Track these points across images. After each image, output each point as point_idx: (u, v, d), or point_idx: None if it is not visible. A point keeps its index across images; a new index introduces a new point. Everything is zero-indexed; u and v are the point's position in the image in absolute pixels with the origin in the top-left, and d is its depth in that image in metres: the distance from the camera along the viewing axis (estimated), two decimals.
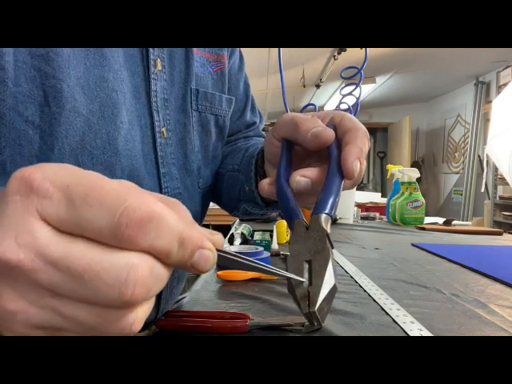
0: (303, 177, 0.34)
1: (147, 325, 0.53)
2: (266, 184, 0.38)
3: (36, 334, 0.19)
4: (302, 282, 0.26)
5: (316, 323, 0.25)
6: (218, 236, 0.22)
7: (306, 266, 0.27)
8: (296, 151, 0.39)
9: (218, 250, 0.21)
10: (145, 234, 0.17)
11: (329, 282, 0.26)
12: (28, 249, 0.17)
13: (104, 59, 0.40)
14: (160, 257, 0.19)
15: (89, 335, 0.19)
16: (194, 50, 0.51)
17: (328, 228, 0.29)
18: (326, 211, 0.30)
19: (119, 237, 0.17)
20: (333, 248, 0.28)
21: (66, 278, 0.17)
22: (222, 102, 0.56)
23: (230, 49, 0.60)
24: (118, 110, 0.41)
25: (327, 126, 0.36)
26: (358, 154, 0.33)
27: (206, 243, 0.20)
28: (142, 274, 0.17)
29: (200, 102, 0.52)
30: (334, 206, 0.31)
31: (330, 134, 0.34)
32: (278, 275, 0.25)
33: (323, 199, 0.31)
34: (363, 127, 0.36)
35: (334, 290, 0.26)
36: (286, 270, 0.27)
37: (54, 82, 0.36)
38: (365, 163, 0.35)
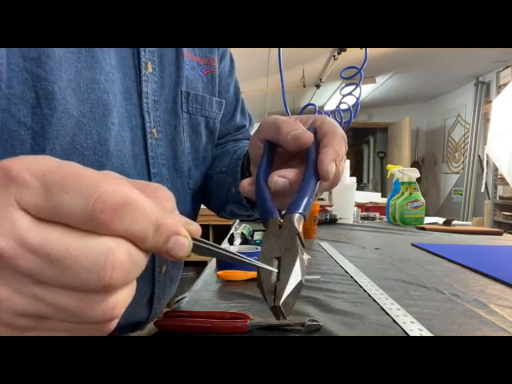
0: (281, 177, 0.34)
1: (140, 324, 0.54)
2: (246, 184, 0.38)
3: (21, 322, 0.19)
4: (273, 272, 0.27)
5: (281, 317, 0.26)
6: (195, 226, 0.22)
7: (276, 262, 0.27)
8: (278, 153, 0.40)
9: (193, 239, 0.21)
10: (120, 219, 0.18)
11: (295, 278, 0.26)
12: (8, 236, 0.17)
13: (95, 62, 0.41)
14: (136, 242, 0.19)
15: (72, 322, 0.19)
16: (185, 53, 0.52)
17: (300, 227, 0.30)
18: (300, 211, 0.31)
19: (94, 222, 0.18)
20: (304, 247, 0.29)
21: (46, 264, 0.17)
22: (212, 104, 0.57)
23: (220, 52, 0.61)
24: (109, 112, 0.42)
25: (308, 129, 0.37)
26: (334, 156, 0.34)
27: (181, 230, 0.20)
28: (119, 257, 0.18)
29: (190, 104, 0.53)
30: (308, 206, 0.31)
31: (309, 136, 0.35)
32: (251, 265, 0.26)
33: (297, 199, 0.31)
34: (341, 131, 0.37)
35: (300, 286, 0.27)
36: (257, 270, 0.28)
37: (46, 84, 0.37)
38: (343, 165, 0.36)
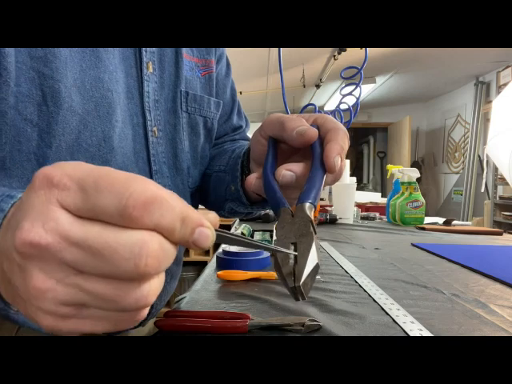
0: (288, 171, 0.36)
1: (142, 321, 0.54)
2: (253, 178, 0.39)
3: (63, 311, 0.20)
4: (290, 255, 0.28)
5: (300, 297, 0.27)
6: (213, 214, 0.23)
7: (292, 247, 0.29)
8: (281, 149, 0.41)
9: (215, 230, 0.23)
10: (150, 214, 0.20)
11: (312, 260, 0.28)
12: (54, 232, 0.19)
13: (100, 61, 0.42)
14: (165, 234, 0.20)
15: (108, 310, 0.21)
16: (184, 53, 0.53)
17: (311, 215, 0.32)
18: (310, 200, 0.32)
19: (128, 218, 0.19)
20: (316, 233, 0.30)
21: (87, 255, 0.19)
22: (210, 104, 0.58)
23: (217, 54, 0.62)
24: (113, 110, 0.43)
25: (311, 125, 0.38)
26: (339, 150, 0.35)
27: (205, 222, 0.22)
28: (152, 247, 0.20)
29: (189, 104, 0.55)
30: (317, 196, 0.34)
31: (313, 132, 0.37)
32: (270, 250, 0.27)
33: (307, 190, 0.33)
34: (344, 128, 0.38)
35: (316, 268, 0.28)
36: (274, 255, 0.30)
37: (52, 82, 0.38)
38: (345, 161, 0.37)
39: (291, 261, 0.28)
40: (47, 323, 0.21)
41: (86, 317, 0.21)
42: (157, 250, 0.20)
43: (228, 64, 0.68)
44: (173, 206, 0.20)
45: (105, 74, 0.42)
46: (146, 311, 0.22)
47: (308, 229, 0.30)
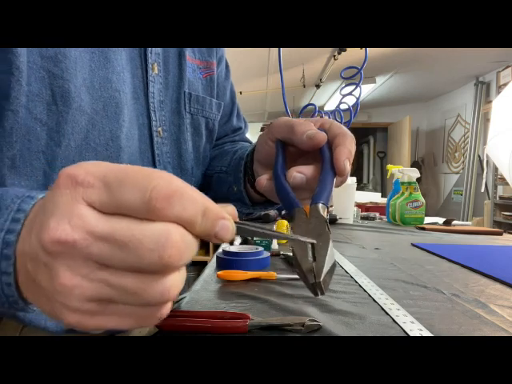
0: (299, 173, 0.37)
1: None
2: (264, 179, 0.40)
3: (89, 307, 0.21)
4: (309, 254, 0.29)
5: (319, 293, 0.29)
6: (231, 207, 0.24)
7: (309, 246, 0.30)
8: (289, 151, 0.42)
9: (234, 222, 0.23)
10: (172, 207, 0.20)
11: (330, 259, 0.29)
12: (80, 229, 0.20)
13: (108, 62, 0.43)
14: (187, 226, 0.21)
15: (133, 305, 0.21)
16: (187, 56, 0.55)
17: (325, 215, 0.33)
18: (323, 201, 0.34)
19: (151, 210, 0.20)
20: (330, 233, 0.32)
21: (114, 249, 0.20)
22: (212, 105, 0.60)
23: (218, 57, 0.64)
24: (120, 110, 0.44)
25: (318, 129, 0.39)
26: (347, 154, 0.37)
27: (226, 215, 0.22)
28: (175, 239, 0.20)
29: (192, 105, 0.56)
30: (329, 197, 0.35)
31: (323, 136, 0.38)
32: (291, 239, 0.29)
33: (320, 192, 0.34)
34: (351, 133, 0.39)
35: (334, 266, 0.30)
36: (293, 253, 0.30)
37: (62, 82, 0.39)
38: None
39: (310, 259, 0.29)
40: (73, 320, 0.21)
41: (110, 313, 0.21)
42: (179, 242, 0.20)
43: (227, 66, 0.70)
44: (195, 199, 0.21)
45: (113, 74, 0.43)
46: (168, 307, 0.22)
47: (324, 228, 0.31)
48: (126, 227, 0.20)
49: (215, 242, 0.22)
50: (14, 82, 0.36)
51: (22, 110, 0.37)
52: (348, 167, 0.37)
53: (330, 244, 0.30)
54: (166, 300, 0.21)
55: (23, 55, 0.36)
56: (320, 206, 0.33)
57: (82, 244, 0.20)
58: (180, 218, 0.20)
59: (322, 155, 0.38)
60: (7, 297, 0.24)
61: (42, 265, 0.21)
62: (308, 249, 0.30)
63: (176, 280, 0.21)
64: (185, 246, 0.21)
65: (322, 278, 0.28)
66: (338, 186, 0.39)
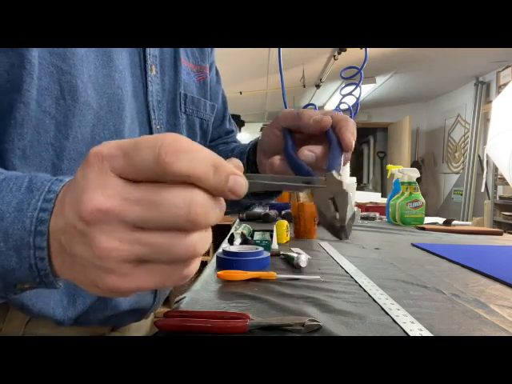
0: (310, 151, 0.40)
1: (145, 312, 0.57)
2: (277, 160, 0.42)
3: (124, 268, 0.22)
4: (331, 206, 0.33)
5: (343, 236, 0.32)
6: (236, 160, 0.25)
7: (330, 201, 0.33)
8: (296, 138, 0.45)
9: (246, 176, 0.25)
10: (182, 160, 0.21)
11: (351, 208, 0.33)
12: (113, 197, 0.22)
13: (111, 60, 0.46)
14: (200, 183, 0.22)
15: (163, 263, 0.23)
16: (182, 59, 0.57)
17: (340, 178, 0.36)
18: (335, 170, 0.37)
19: (162, 165, 0.21)
20: (347, 191, 0.35)
21: (146, 209, 0.22)
22: (206, 107, 0.63)
23: (209, 62, 0.67)
24: (123, 106, 0.47)
25: None
26: (352, 132, 0.40)
27: (237, 170, 0.23)
28: (198, 198, 0.22)
29: (188, 106, 0.59)
30: (340, 167, 0.38)
31: (328, 119, 0.41)
32: (306, 181, 0.32)
33: (331, 164, 0.38)
34: (352, 120, 0.43)
35: (354, 216, 0.33)
36: (317, 207, 0.34)
37: (70, 77, 0.41)
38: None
39: (333, 209, 0.32)
40: (110, 282, 0.23)
41: (142, 272, 0.23)
42: (202, 200, 0.22)
43: (217, 73, 0.74)
44: (204, 153, 0.22)
45: (115, 72, 0.46)
46: (194, 266, 0.24)
47: (341, 187, 0.34)
48: (155, 189, 0.22)
49: (230, 197, 0.23)
50: (25, 76, 0.38)
51: (33, 102, 0.39)
52: (353, 143, 0.40)
53: (349, 197, 0.33)
54: (192, 256, 0.23)
55: (34, 50, 0.38)
56: (334, 172, 0.36)
57: (117, 209, 0.21)
58: (192, 173, 0.21)
59: (328, 137, 0.42)
60: (39, 270, 0.26)
61: (77, 235, 0.22)
62: (330, 203, 0.33)
63: (201, 237, 0.23)
64: (208, 205, 0.22)
65: (346, 222, 0.32)
66: (344, 164, 0.42)
